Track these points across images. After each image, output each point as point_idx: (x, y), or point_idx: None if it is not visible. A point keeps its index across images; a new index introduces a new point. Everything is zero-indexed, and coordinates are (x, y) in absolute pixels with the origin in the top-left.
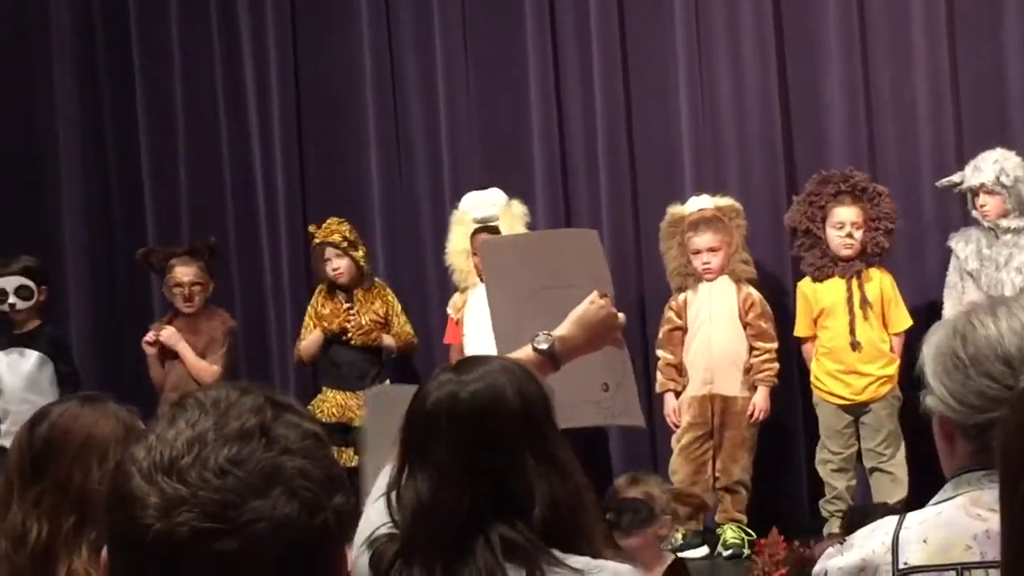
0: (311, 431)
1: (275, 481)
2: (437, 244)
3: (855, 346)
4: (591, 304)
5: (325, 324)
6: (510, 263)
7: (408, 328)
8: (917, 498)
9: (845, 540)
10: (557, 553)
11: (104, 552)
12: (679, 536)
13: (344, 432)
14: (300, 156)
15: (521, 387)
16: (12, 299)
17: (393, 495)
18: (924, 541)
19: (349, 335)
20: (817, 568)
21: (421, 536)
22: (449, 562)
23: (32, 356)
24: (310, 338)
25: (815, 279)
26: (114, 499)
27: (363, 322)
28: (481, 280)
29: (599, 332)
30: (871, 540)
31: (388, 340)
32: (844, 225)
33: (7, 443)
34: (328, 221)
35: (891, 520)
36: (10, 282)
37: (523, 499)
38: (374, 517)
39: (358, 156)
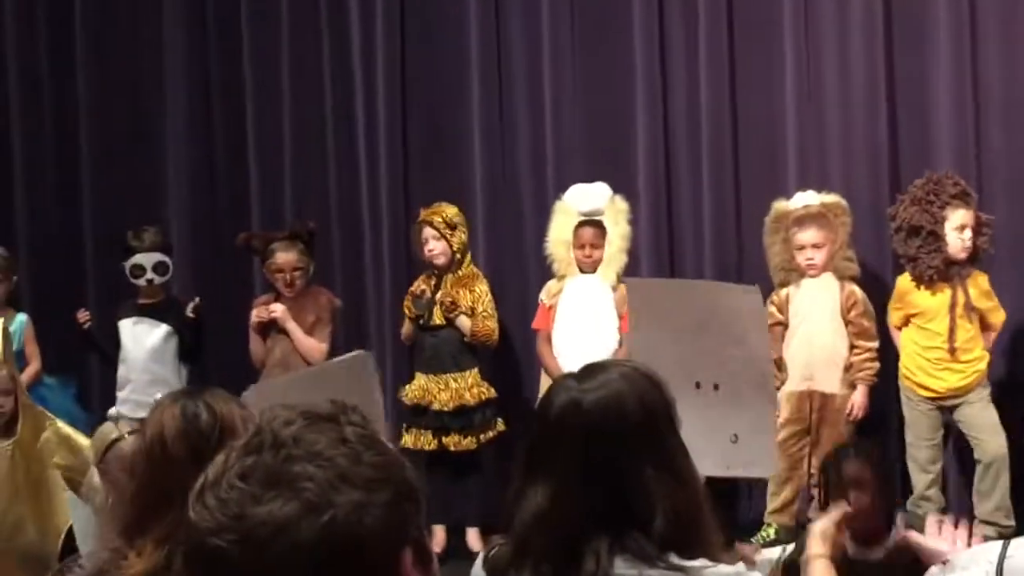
0: (348, 436)
1: (276, 485)
2: (538, 234)
3: (953, 352)
4: None
5: (407, 312)
6: (658, 305)
7: (490, 323)
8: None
9: (947, 562)
10: (674, 558)
11: None
12: (772, 531)
13: (422, 415)
14: (404, 143)
15: (643, 394)
16: (151, 275)
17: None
18: None
19: (427, 319)
20: None
21: (535, 542)
22: (559, 567)
23: (160, 328)
24: (405, 326)
25: (927, 283)
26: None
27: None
28: (581, 271)
29: None
30: (974, 566)
31: (464, 320)
32: (965, 228)
33: (125, 410)
34: (436, 204)
35: (995, 547)
36: (149, 258)
37: (642, 509)
38: None
39: (462, 145)
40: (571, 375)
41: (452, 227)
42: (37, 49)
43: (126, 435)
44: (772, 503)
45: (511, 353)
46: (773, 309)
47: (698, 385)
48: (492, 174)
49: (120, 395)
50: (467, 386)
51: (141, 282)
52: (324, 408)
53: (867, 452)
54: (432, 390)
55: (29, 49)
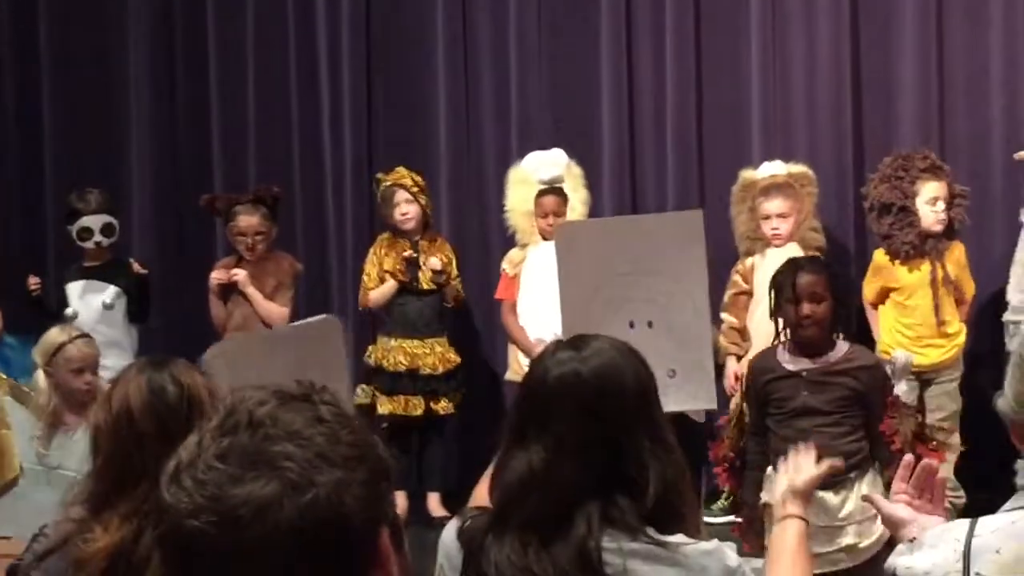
0: (324, 415)
1: (255, 466)
2: (500, 201)
3: (941, 324)
4: None
5: (399, 275)
6: (585, 249)
7: (460, 287)
8: (974, 490)
9: (915, 539)
10: (653, 532)
11: None
12: (721, 504)
13: (413, 380)
14: (368, 108)
15: (635, 367)
16: (99, 237)
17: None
18: (997, 551)
19: (419, 282)
20: (887, 563)
21: (523, 508)
22: (546, 534)
23: (109, 289)
24: (383, 288)
25: (904, 259)
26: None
27: (432, 262)
28: (544, 239)
29: None
30: (941, 545)
31: (455, 285)
32: (937, 200)
33: None
34: (398, 168)
35: (962, 525)
36: (96, 220)
37: (636, 478)
38: None
39: (426, 110)
40: (564, 344)
41: (422, 190)
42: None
43: (73, 338)
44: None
45: (468, 316)
46: (738, 278)
47: (632, 324)
48: (456, 141)
49: None
50: (446, 350)
51: (89, 244)
52: (295, 387)
53: (821, 265)
54: (419, 354)
55: None
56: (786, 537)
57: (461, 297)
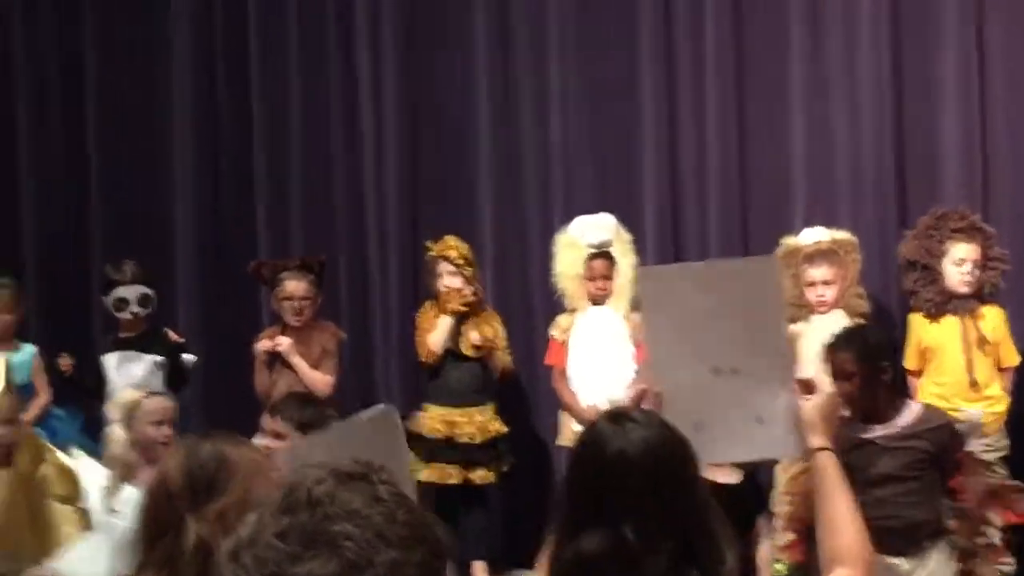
0: (382, 495)
1: (316, 545)
2: (545, 267)
3: (974, 385)
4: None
5: (451, 306)
6: (667, 293)
7: (508, 359)
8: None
9: None
10: None
11: None
12: (783, 568)
13: (450, 448)
14: (413, 177)
15: (681, 439)
16: (135, 308)
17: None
18: None
19: (468, 347)
20: None
21: None
22: None
23: (145, 360)
24: (440, 327)
25: (929, 316)
26: None
27: (473, 336)
28: (593, 304)
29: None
30: None
31: (502, 356)
32: (965, 262)
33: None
34: (446, 238)
35: None
36: (132, 291)
37: (708, 548)
38: None
39: (470, 177)
40: (608, 420)
41: (468, 262)
42: (48, 100)
43: (149, 393)
44: (782, 539)
45: (517, 384)
46: None
47: (717, 371)
48: (499, 207)
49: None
50: (488, 419)
51: (125, 315)
52: (352, 466)
53: (849, 339)
54: (458, 422)
55: (37, 89)
56: (827, 471)
57: (509, 368)
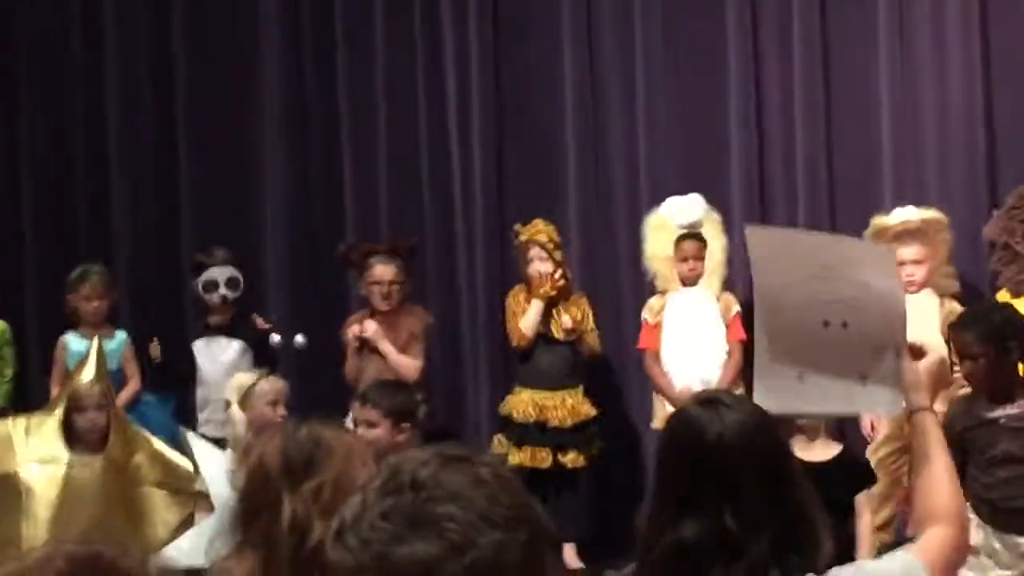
0: (484, 477)
1: (419, 526)
2: (632, 248)
3: None
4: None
5: (543, 291)
6: (778, 250)
7: (597, 341)
8: None
9: None
10: None
11: None
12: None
13: (541, 432)
14: (498, 159)
15: (768, 426)
16: (223, 290)
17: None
18: None
19: (559, 330)
20: None
21: (677, 573)
22: None
23: (234, 345)
24: (530, 312)
25: (1013, 293)
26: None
27: (564, 320)
28: (684, 285)
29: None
30: None
31: (593, 338)
32: None
33: (208, 430)
34: (535, 221)
35: None
36: (221, 273)
37: (806, 533)
38: None
39: (556, 159)
40: (695, 404)
41: (557, 246)
42: (139, 90)
43: (264, 375)
44: (879, 516)
45: (606, 367)
46: None
47: (826, 324)
48: (585, 190)
49: (201, 416)
50: (579, 402)
51: (214, 298)
52: (455, 449)
53: (973, 319)
54: (547, 406)
55: (132, 90)
56: (929, 432)
57: (598, 351)
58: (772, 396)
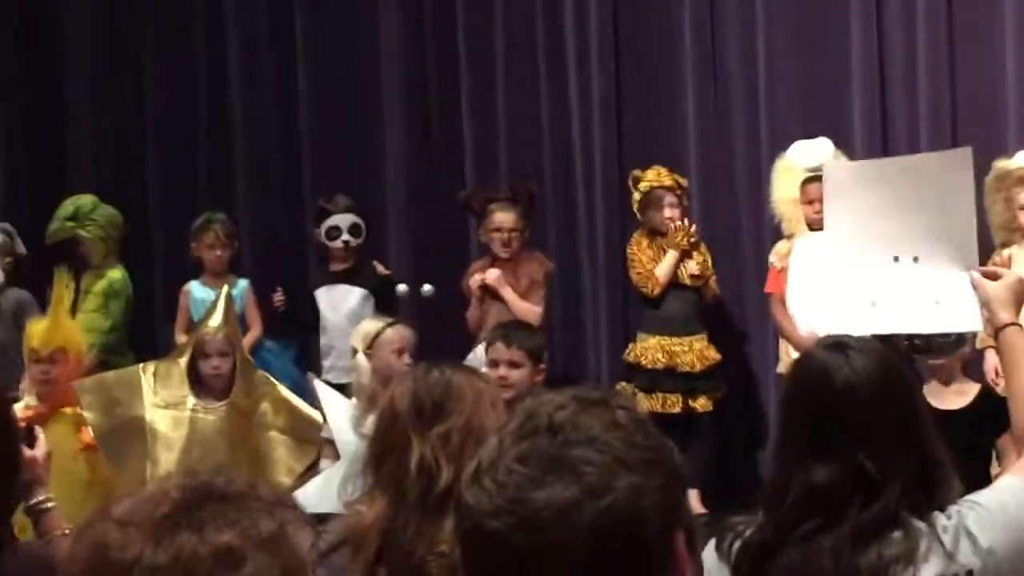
0: (621, 420)
1: (555, 470)
2: (752, 194)
3: None
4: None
5: (678, 242)
6: (854, 186)
7: (716, 286)
8: None
9: None
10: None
11: None
12: None
13: (671, 377)
14: (617, 105)
15: (894, 369)
16: (346, 236)
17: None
18: None
19: (686, 276)
20: None
21: (808, 518)
22: (837, 542)
23: (356, 292)
24: (666, 261)
25: None
26: (454, 505)
27: (691, 267)
28: (810, 228)
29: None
30: None
31: (713, 284)
32: None
33: (331, 378)
34: (656, 167)
35: None
36: (343, 219)
37: (895, 481)
38: None
39: (674, 104)
40: (822, 348)
41: (685, 192)
42: (260, 40)
43: (390, 323)
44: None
45: (724, 313)
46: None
47: (897, 259)
48: (705, 135)
49: (325, 364)
50: (705, 347)
51: (337, 244)
52: (592, 392)
53: None
54: (675, 352)
55: (253, 40)
56: (1016, 346)
57: (718, 296)
58: (845, 321)
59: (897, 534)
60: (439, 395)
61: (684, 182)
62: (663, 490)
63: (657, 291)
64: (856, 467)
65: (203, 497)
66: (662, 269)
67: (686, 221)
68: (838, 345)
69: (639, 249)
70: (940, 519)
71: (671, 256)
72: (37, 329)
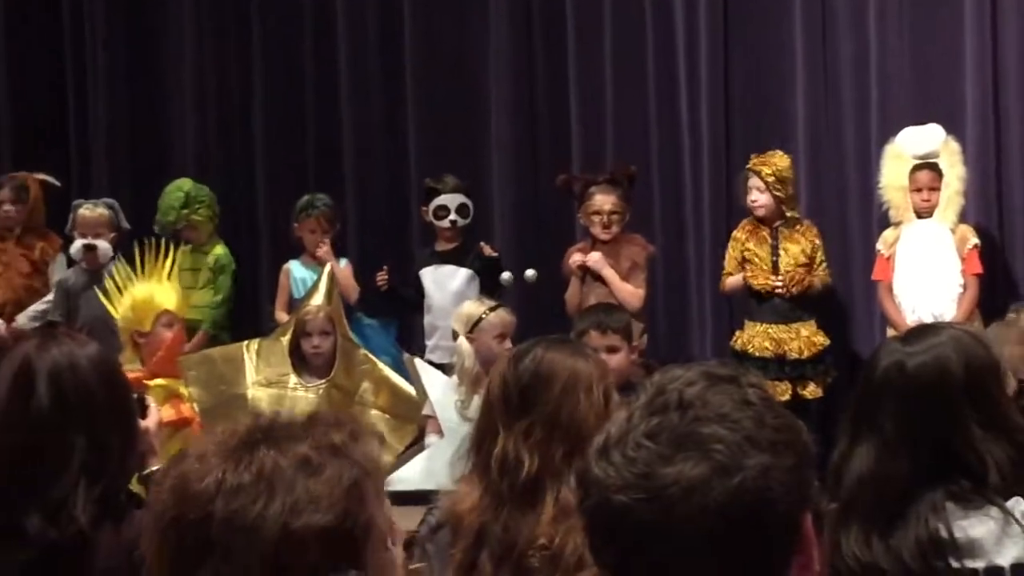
0: (751, 398)
1: (685, 446)
2: (860, 180)
3: None
4: None
5: (752, 280)
6: None
7: (824, 273)
8: None
9: None
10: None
11: None
12: None
13: (780, 365)
14: (726, 89)
15: (968, 358)
16: (453, 216)
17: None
18: None
19: (781, 287)
20: None
21: (862, 502)
22: (886, 527)
23: (461, 273)
24: (735, 280)
25: None
26: (578, 478)
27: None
28: (919, 216)
29: None
30: None
31: (816, 281)
32: None
33: (435, 357)
34: (771, 153)
35: None
36: (452, 199)
37: (973, 465)
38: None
39: (784, 90)
40: (899, 337)
41: (780, 181)
42: (367, 21)
43: (492, 307)
44: None
45: (834, 300)
46: None
47: None
48: (814, 121)
49: (429, 343)
50: (813, 333)
51: (444, 223)
52: (722, 369)
53: None
54: (783, 339)
55: (360, 22)
56: None
57: (827, 282)
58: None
59: (980, 516)
60: (526, 385)
61: (781, 167)
62: (793, 470)
63: (723, 292)
64: (942, 452)
65: (270, 424)
66: (731, 283)
67: (780, 276)
68: (918, 332)
69: (734, 242)
70: (1021, 504)
71: (736, 280)
72: (167, 293)
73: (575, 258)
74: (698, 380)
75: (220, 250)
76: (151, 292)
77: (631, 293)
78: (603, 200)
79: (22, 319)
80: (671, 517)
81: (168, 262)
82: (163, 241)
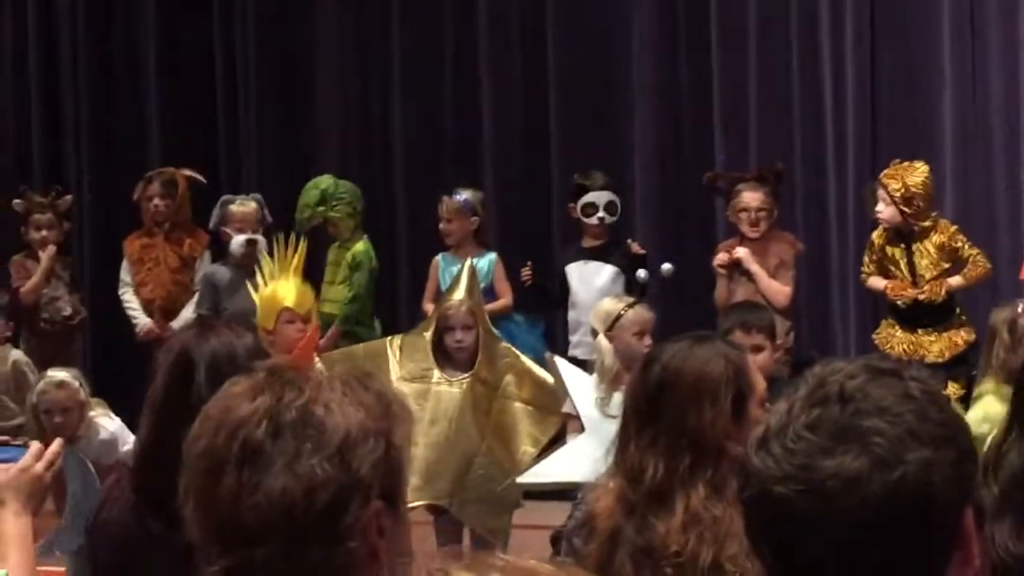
0: (913, 392)
1: (845, 439)
2: (1009, 181)
3: None
4: None
5: (892, 295)
6: None
7: (981, 256)
8: None
9: None
10: None
11: None
12: None
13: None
14: (872, 88)
15: None
16: (601, 213)
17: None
18: None
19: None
20: None
21: (1018, 496)
22: None
23: (607, 270)
24: (876, 282)
25: None
26: (738, 468)
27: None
28: None
29: None
30: None
31: (953, 282)
32: None
33: (578, 353)
34: (906, 165)
35: None
36: (600, 196)
37: None
38: None
39: (931, 90)
40: None
41: (909, 198)
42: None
43: (630, 305)
44: None
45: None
46: None
47: None
48: (962, 125)
49: (573, 339)
50: (953, 334)
51: (592, 220)
52: (884, 362)
53: None
54: (923, 342)
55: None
56: None
57: (988, 266)
58: None
59: None
60: (653, 393)
61: (909, 185)
62: (955, 466)
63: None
64: None
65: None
66: (872, 283)
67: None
68: None
69: (870, 247)
70: None
71: (875, 282)
72: (287, 289)
73: (720, 257)
74: (860, 373)
75: (360, 247)
76: (273, 290)
77: (778, 290)
78: (751, 197)
79: (177, 326)
80: (830, 509)
81: (296, 258)
82: (294, 236)
